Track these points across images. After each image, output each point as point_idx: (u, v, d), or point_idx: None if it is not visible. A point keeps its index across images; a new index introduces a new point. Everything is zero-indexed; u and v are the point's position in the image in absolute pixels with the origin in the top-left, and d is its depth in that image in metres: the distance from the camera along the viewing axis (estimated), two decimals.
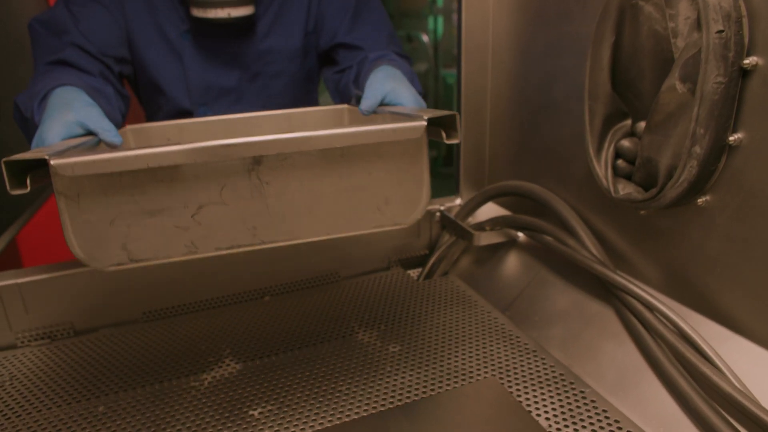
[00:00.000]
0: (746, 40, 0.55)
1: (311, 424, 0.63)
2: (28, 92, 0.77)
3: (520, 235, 0.95)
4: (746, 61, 0.55)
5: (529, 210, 0.93)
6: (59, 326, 0.83)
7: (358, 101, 0.88)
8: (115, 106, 0.85)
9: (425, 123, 0.53)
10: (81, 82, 0.76)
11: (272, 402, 0.67)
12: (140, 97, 1.11)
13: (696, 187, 0.62)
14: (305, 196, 0.52)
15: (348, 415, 0.64)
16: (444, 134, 0.56)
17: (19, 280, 0.80)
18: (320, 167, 0.51)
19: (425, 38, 3.69)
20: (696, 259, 0.67)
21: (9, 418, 0.67)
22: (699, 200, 0.63)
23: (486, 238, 0.94)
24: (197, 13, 0.94)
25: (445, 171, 3.63)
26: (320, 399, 0.67)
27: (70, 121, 0.63)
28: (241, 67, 1.06)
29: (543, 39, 0.87)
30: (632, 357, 0.69)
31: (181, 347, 0.80)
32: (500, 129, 1.02)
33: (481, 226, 0.97)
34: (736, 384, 0.57)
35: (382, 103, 0.74)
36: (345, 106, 0.94)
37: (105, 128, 0.64)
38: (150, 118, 1.12)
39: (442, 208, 1.04)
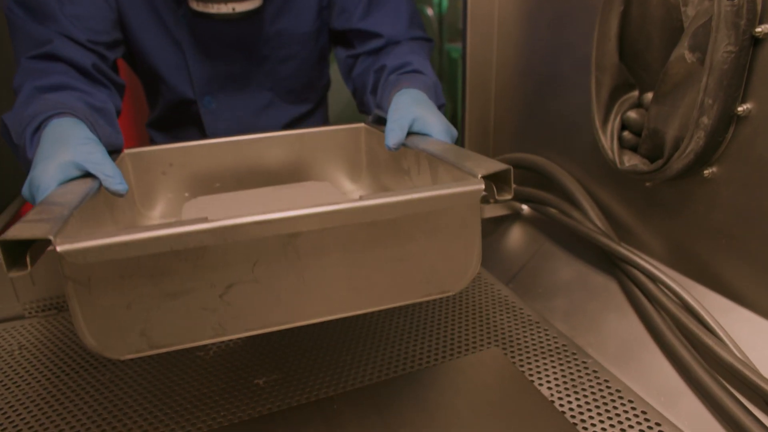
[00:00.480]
0: (759, 7, 0.54)
1: (315, 392, 0.64)
2: (17, 113, 0.66)
3: (524, 207, 0.95)
4: (758, 30, 0.54)
5: (533, 183, 0.93)
6: (65, 298, 0.84)
7: (376, 120, 0.83)
8: (117, 127, 0.74)
9: (482, 186, 0.46)
10: (79, 104, 0.67)
11: (276, 372, 0.68)
12: (140, 79, 1.03)
13: (702, 158, 0.61)
14: (345, 268, 0.46)
15: (352, 384, 0.65)
16: (495, 189, 0.49)
17: None
18: (363, 237, 0.45)
19: (430, 12, 3.65)
20: (700, 232, 0.67)
21: (19, 385, 0.68)
22: (705, 172, 0.63)
23: (490, 211, 0.93)
24: (197, 6, 0.85)
25: None
26: (324, 368, 0.68)
27: (67, 162, 0.54)
28: (247, 51, 0.96)
29: (550, 9, 0.86)
30: (635, 328, 0.69)
31: None
32: (505, 101, 1.01)
33: (485, 199, 0.97)
34: (738, 354, 0.57)
35: (408, 132, 0.68)
36: (362, 125, 0.85)
37: (107, 174, 0.55)
38: (151, 105, 1.06)
39: None
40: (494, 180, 0.49)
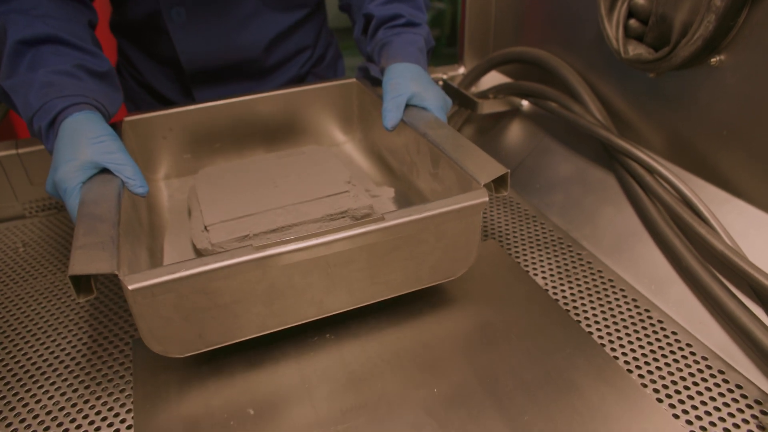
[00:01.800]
0: None
1: None
2: (17, 83, 0.61)
3: (525, 104, 0.93)
4: None
5: (534, 77, 0.90)
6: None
7: (365, 74, 0.82)
8: (117, 85, 0.69)
9: (487, 199, 0.54)
10: (82, 77, 0.62)
11: None
12: None
13: (711, 44, 0.59)
14: (367, 270, 0.54)
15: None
16: (494, 187, 0.57)
17: (20, 151, 0.80)
18: (383, 246, 0.53)
19: None
20: (703, 123, 0.66)
21: (27, 280, 0.70)
22: (712, 60, 0.61)
23: (489, 107, 0.92)
24: None
25: (447, 51, 3.49)
26: None
27: (87, 162, 0.56)
28: None
29: None
30: (630, 221, 0.70)
31: None
32: None
33: (484, 95, 0.95)
34: (729, 243, 0.58)
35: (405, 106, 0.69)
36: (353, 80, 0.85)
37: (129, 176, 0.57)
38: (117, 17, 0.89)
39: (444, 77, 1.01)
40: (494, 180, 0.56)
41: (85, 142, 0.57)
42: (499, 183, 0.56)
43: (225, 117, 0.81)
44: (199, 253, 0.63)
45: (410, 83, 0.69)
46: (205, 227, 0.60)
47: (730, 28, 0.57)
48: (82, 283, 0.45)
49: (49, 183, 0.58)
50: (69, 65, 0.62)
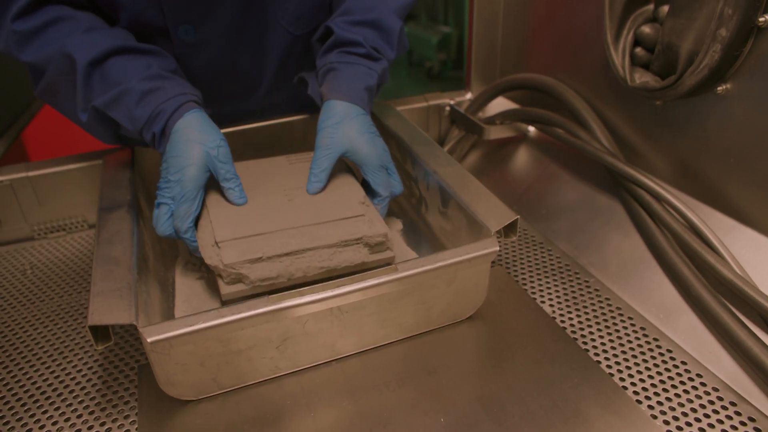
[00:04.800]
0: None
1: None
2: (114, 95, 0.61)
3: (531, 129, 0.93)
4: None
5: (541, 103, 0.91)
6: (72, 219, 0.85)
7: (303, 85, 0.76)
8: (184, 76, 0.69)
9: (497, 249, 0.56)
10: (171, 80, 0.63)
11: None
12: None
13: (717, 73, 0.59)
14: (378, 314, 0.56)
15: None
16: (503, 232, 0.58)
17: (30, 173, 0.80)
18: (395, 294, 0.55)
19: None
20: (709, 151, 0.66)
21: (33, 302, 0.70)
22: (718, 88, 0.61)
23: (496, 132, 0.92)
24: None
25: (454, 75, 3.52)
26: None
27: (203, 165, 0.60)
28: None
29: None
30: (637, 248, 0.70)
31: None
32: (514, 18, 0.97)
33: (491, 120, 0.96)
34: (738, 271, 0.58)
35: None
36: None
37: (232, 187, 0.62)
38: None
39: (451, 102, 1.02)
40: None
41: (201, 148, 0.59)
42: (508, 228, 0.57)
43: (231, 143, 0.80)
44: (208, 268, 0.62)
45: (344, 136, 0.65)
46: (216, 243, 0.58)
47: (736, 58, 0.58)
48: (99, 331, 0.46)
49: (167, 188, 0.59)
50: (154, 69, 0.62)
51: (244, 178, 0.65)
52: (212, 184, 0.64)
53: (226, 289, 0.56)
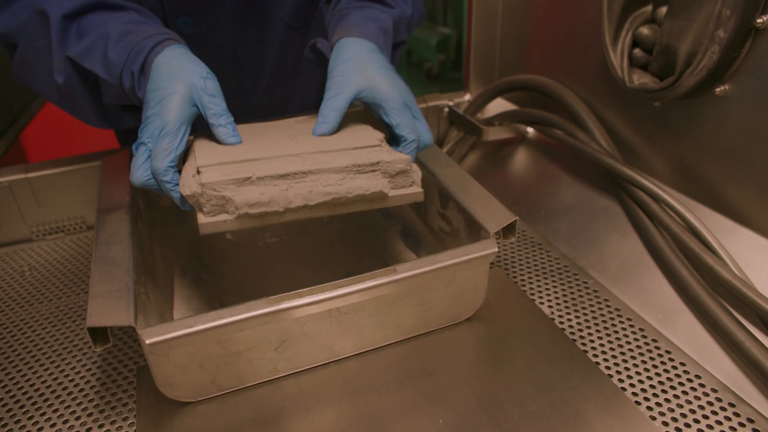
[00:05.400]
0: None
1: None
2: (89, 43, 0.55)
3: (530, 130, 0.93)
4: None
5: (539, 104, 0.91)
6: (71, 220, 0.85)
7: (315, 53, 0.68)
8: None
9: (496, 250, 0.55)
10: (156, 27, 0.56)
11: None
12: None
13: (715, 75, 0.59)
14: (377, 316, 0.55)
15: None
16: (502, 233, 0.57)
17: (29, 175, 0.80)
18: (394, 295, 0.54)
19: None
20: (708, 152, 0.66)
21: (32, 304, 0.70)
22: (717, 89, 0.61)
23: (495, 133, 0.92)
24: None
25: (453, 76, 3.52)
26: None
27: (188, 96, 0.51)
28: None
29: None
30: (636, 249, 0.70)
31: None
32: (513, 19, 0.97)
33: (490, 122, 0.96)
34: (737, 272, 0.58)
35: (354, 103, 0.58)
36: (360, 108, 0.76)
37: (222, 123, 0.53)
38: None
39: (450, 103, 1.02)
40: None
41: (185, 79, 0.51)
42: (507, 229, 0.57)
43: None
44: (185, 201, 0.50)
45: (357, 74, 0.56)
46: (198, 170, 0.49)
47: (734, 59, 0.58)
48: (98, 332, 0.46)
49: (148, 132, 0.50)
50: (133, 16, 0.56)
51: (241, 132, 0.56)
52: (201, 129, 0.56)
53: (203, 219, 0.48)
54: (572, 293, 0.68)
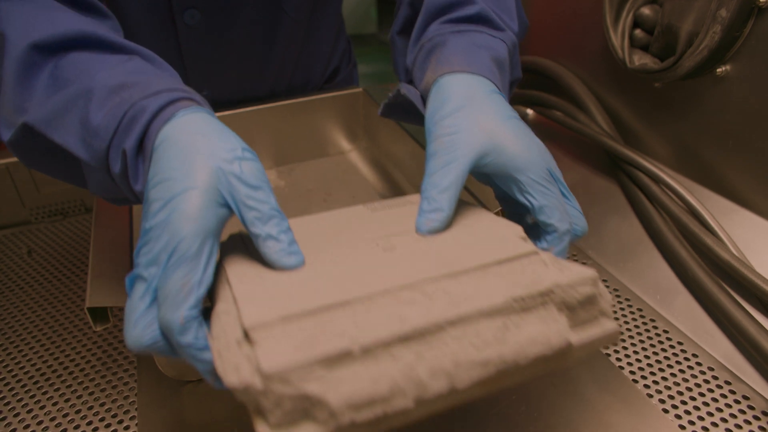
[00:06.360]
0: None
1: None
2: (62, 101, 0.35)
3: (530, 112, 0.93)
4: None
5: (540, 86, 0.90)
6: (70, 203, 0.85)
7: (390, 108, 0.48)
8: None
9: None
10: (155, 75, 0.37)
11: None
12: None
13: (716, 55, 0.59)
14: None
15: None
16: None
17: None
18: None
19: None
20: (708, 133, 0.66)
21: (32, 286, 0.70)
22: (718, 70, 0.61)
23: None
24: None
25: None
26: None
27: (210, 191, 0.31)
28: None
29: None
30: (635, 230, 0.70)
31: None
32: None
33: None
34: (735, 253, 0.58)
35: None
36: (360, 90, 0.80)
37: (273, 234, 0.31)
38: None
39: None
40: None
41: (209, 161, 0.31)
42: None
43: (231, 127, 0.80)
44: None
45: (473, 128, 0.37)
46: (245, 333, 0.27)
47: (736, 39, 0.58)
48: (98, 312, 0.46)
49: (144, 249, 0.30)
50: (135, 62, 0.38)
51: (297, 233, 0.33)
52: (232, 243, 0.35)
53: None
54: None
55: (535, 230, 0.38)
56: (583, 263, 0.69)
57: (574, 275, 0.31)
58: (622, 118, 0.78)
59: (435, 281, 0.30)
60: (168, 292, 0.29)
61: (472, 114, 0.38)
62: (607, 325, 0.32)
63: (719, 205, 0.65)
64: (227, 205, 0.31)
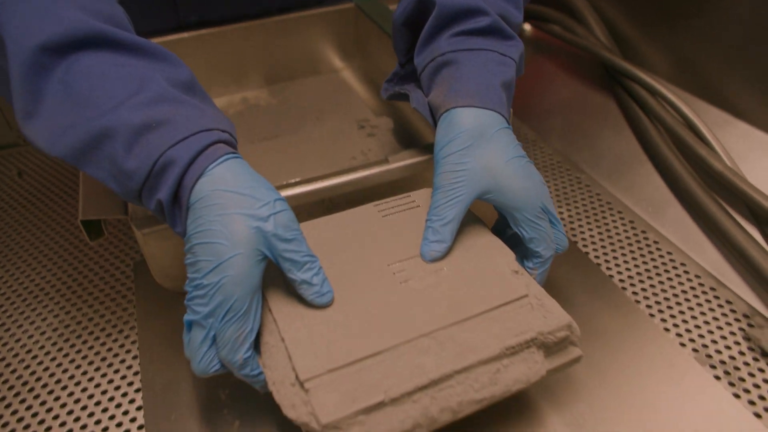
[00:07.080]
0: None
1: None
2: (83, 133, 0.36)
3: (527, 27, 0.90)
4: None
5: (537, 2, 0.87)
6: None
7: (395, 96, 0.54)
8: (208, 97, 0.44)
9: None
10: (174, 95, 0.38)
11: None
12: None
13: None
14: None
15: None
16: None
17: None
18: None
19: None
20: (708, 45, 0.64)
21: (26, 207, 0.70)
22: None
23: None
24: None
25: None
26: None
27: (251, 252, 0.35)
28: None
29: None
30: (630, 145, 0.70)
31: None
32: None
33: None
34: (728, 163, 0.58)
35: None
36: (352, 6, 0.78)
37: (308, 279, 0.37)
38: None
39: None
40: None
41: (246, 222, 0.35)
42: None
43: (219, 46, 0.78)
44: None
45: (481, 167, 0.41)
46: (300, 382, 0.35)
47: None
48: (92, 226, 0.46)
49: (199, 300, 0.35)
50: (155, 85, 0.37)
51: (317, 248, 0.40)
52: (270, 271, 0.40)
53: None
54: (564, 188, 0.68)
55: (525, 249, 0.44)
56: (577, 177, 0.69)
57: (554, 322, 0.38)
58: (622, 32, 0.76)
59: (445, 329, 0.38)
60: (227, 340, 0.35)
61: (478, 154, 0.41)
62: (575, 352, 0.40)
63: (716, 117, 0.65)
64: (266, 258, 0.36)
